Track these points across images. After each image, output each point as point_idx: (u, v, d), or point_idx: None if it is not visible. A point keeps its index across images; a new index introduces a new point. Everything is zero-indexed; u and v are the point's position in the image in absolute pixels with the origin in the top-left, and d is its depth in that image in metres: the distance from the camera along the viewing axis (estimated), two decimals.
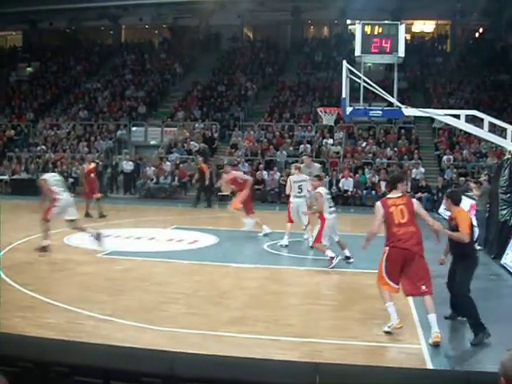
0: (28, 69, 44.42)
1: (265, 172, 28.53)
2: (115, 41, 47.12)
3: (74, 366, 3.99)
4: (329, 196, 13.72)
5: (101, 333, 8.02)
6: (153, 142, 33.95)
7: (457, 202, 9.03)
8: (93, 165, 22.50)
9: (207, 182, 26.75)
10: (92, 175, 22.00)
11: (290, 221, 15.99)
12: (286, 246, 15.55)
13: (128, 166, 30.41)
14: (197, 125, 33.94)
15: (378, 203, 8.87)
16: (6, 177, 31.41)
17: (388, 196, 8.91)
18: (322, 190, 13.51)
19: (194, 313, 9.25)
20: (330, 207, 13.43)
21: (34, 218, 20.37)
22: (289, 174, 18.32)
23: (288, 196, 16.36)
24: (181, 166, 29.94)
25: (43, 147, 33.84)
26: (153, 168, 29.79)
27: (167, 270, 12.61)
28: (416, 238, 8.62)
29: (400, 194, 8.74)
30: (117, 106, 37.64)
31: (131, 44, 46.06)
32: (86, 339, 5.87)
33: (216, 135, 33.19)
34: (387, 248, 8.71)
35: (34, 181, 29.53)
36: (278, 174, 28.05)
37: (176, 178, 29.22)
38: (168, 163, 30.25)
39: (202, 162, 27.38)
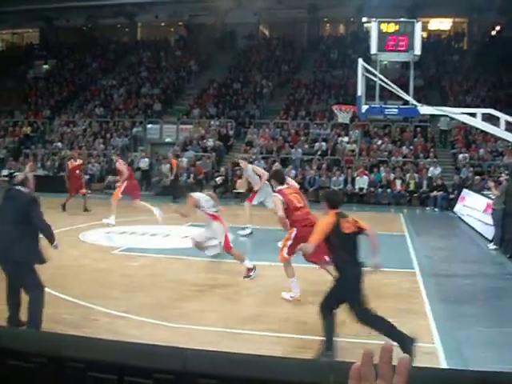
0: (44, 66, 44.66)
1: None
2: (131, 38, 47.27)
3: (88, 361, 3.98)
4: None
5: (116, 329, 8.06)
6: (168, 140, 34.01)
7: (332, 206, 7.92)
8: (78, 162, 22.89)
9: (174, 177, 27.71)
10: (77, 172, 22.46)
11: None
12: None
13: (143, 163, 30.50)
14: (212, 122, 33.99)
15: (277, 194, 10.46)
16: (22, 173, 31.53)
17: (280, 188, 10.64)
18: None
19: (209, 310, 9.26)
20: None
21: (49, 214, 20.50)
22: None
23: None
24: (197, 163, 29.96)
25: (59, 144, 34.02)
26: (168, 165, 29.85)
27: (182, 266, 12.63)
28: (311, 216, 10.19)
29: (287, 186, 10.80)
30: (132, 103, 37.76)
31: (147, 41, 46.18)
32: (101, 335, 5.90)
33: (231, 133, 33.22)
34: (295, 228, 10.06)
35: (50, 177, 29.83)
36: (293, 171, 28.01)
37: (191, 175, 29.25)
38: (184, 159, 30.27)
39: (172, 157, 28.44)
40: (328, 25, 45.11)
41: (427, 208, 25.94)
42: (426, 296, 10.25)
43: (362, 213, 24.64)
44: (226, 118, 34.50)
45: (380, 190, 27.23)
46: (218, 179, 28.39)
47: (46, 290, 9.88)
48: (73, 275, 11.44)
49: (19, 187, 8.12)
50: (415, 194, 27.01)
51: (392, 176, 27.37)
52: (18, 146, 35.14)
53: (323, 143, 30.24)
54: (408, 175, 27.25)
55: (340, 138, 30.69)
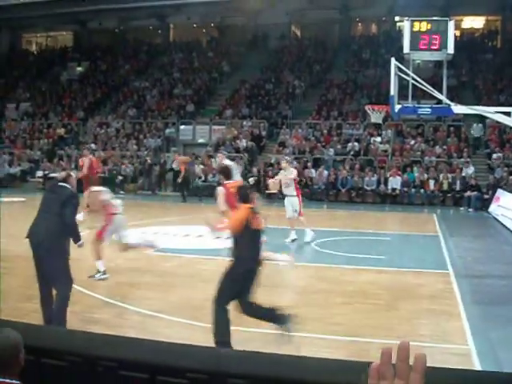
0: (78, 68, 45.11)
1: (312, 170, 28.43)
2: (163, 40, 47.51)
3: (121, 360, 4.02)
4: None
5: (148, 328, 8.11)
6: (201, 140, 34.15)
7: (245, 201, 7.96)
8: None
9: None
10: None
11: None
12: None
13: (176, 163, 30.64)
14: (245, 123, 34.03)
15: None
16: (56, 174, 31.87)
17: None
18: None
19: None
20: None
21: (84, 214, 20.69)
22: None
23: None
24: None
25: (93, 145, 34.30)
26: (201, 166, 29.92)
27: (214, 267, 12.63)
28: None
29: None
30: (165, 104, 37.95)
31: (179, 43, 46.37)
32: (134, 335, 5.94)
33: (264, 133, 33.23)
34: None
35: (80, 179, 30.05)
36: (326, 172, 27.95)
37: None
38: (217, 160, 30.33)
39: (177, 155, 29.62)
40: (360, 24, 44.87)
41: (461, 208, 25.70)
42: (459, 297, 10.15)
43: (394, 213, 24.57)
44: (258, 118, 34.52)
45: (413, 190, 27.03)
46: (250, 180, 28.40)
47: (78, 288, 9.98)
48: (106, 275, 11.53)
49: (62, 183, 8.41)
50: (449, 194, 26.79)
51: (425, 176, 27.15)
52: (52, 147, 35.54)
53: (356, 143, 30.12)
54: (441, 175, 27.01)
55: (373, 138, 30.52)
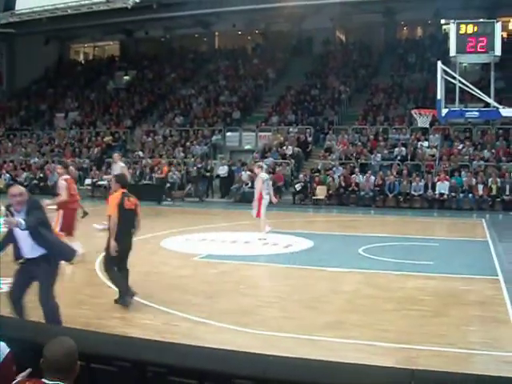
0: (125, 77, 45.69)
1: (359, 175, 28.27)
2: (209, 47, 47.86)
3: (170, 366, 4.08)
4: None
5: (196, 335, 8.15)
6: (247, 147, 34.24)
7: (122, 186, 10.24)
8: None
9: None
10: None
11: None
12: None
13: (223, 170, 30.79)
14: (291, 129, 34.02)
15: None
16: (105, 182, 32.29)
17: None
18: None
19: (288, 317, 9.28)
20: None
21: None
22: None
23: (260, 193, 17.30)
24: (276, 170, 30.00)
25: (140, 153, 34.67)
26: (248, 172, 29.98)
27: (262, 273, 12.70)
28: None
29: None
30: (211, 111, 38.15)
31: (224, 50, 46.65)
32: (182, 341, 5.99)
33: (310, 139, 33.16)
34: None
35: (131, 186, 30.35)
36: (373, 177, 27.76)
37: (271, 182, 29.28)
38: (264, 166, 30.37)
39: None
40: (405, 28, 44.53)
41: (510, 213, 25.27)
42: (509, 304, 10.00)
43: (442, 219, 24.32)
44: (304, 124, 34.47)
45: (461, 195, 26.65)
46: (297, 186, 28.41)
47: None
48: (154, 282, 11.63)
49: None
50: (498, 199, 26.36)
51: (474, 181, 26.76)
52: (101, 155, 35.99)
53: (403, 148, 29.86)
54: (490, 179, 26.60)
55: (420, 143, 30.23)
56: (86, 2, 23.16)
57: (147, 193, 29.70)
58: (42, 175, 34.27)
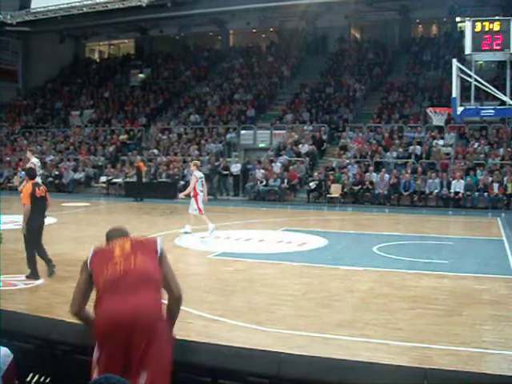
0: (140, 75, 45.80)
1: (374, 174, 28.21)
2: (223, 45, 47.86)
3: (183, 363, 4.10)
4: None
5: (210, 332, 8.18)
6: (262, 145, 34.23)
7: (31, 178, 12.11)
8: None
9: (143, 179, 30.30)
10: None
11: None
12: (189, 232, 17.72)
13: (237, 168, 30.82)
14: (305, 127, 33.99)
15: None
16: (119, 180, 32.44)
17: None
18: None
19: (303, 315, 9.28)
20: None
21: (144, 219, 21.02)
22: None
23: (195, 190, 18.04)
24: (290, 168, 30.00)
25: (155, 151, 34.77)
26: (262, 170, 29.99)
27: (276, 271, 12.69)
28: None
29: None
30: (226, 109, 38.19)
31: (239, 48, 46.66)
32: (196, 338, 6.00)
33: (325, 137, 33.10)
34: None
35: (146, 183, 30.55)
36: (387, 175, 27.69)
37: (285, 181, 29.30)
38: (278, 165, 30.38)
39: (139, 160, 30.92)
40: (420, 26, 44.29)
41: None
42: None
43: (457, 217, 24.22)
44: (319, 122, 34.44)
45: (477, 193, 26.51)
46: (311, 184, 28.40)
47: None
48: None
49: None
50: None
51: (489, 179, 26.63)
52: (116, 153, 36.14)
53: (418, 146, 29.75)
54: (506, 178, 26.47)
55: (435, 141, 30.11)
56: (101, 0, 23.18)
57: (162, 190, 29.90)
58: (57, 173, 34.47)
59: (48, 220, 20.23)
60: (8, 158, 36.99)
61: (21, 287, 10.59)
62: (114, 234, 4.94)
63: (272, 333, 8.23)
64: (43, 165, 35.46)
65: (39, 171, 18.63)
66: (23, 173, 34.52)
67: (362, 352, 7.39)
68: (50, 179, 34.15)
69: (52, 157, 36.81)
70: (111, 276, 4.36)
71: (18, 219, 20.36)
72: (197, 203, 17.82)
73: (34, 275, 11.47)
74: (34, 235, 11.65)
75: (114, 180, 32.75)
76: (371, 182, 27.79)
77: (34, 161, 19.70)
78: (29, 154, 19.92)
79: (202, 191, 18.03)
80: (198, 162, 20.23)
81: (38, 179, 15.70)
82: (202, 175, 18.83)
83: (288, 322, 8.75)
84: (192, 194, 18.04)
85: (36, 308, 8.73)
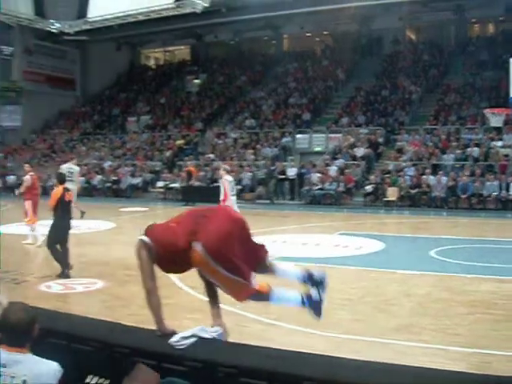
0: (196, 81, 46.22)
1: (431, 176, 27.87)
2: (278, 50, 48.00)
3: (240, 367, 4.12)
4: None
5: (266, 336, 8.20)
6: (317, 149, 34.16)
7: (60, 182, 12.85)
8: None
9: (194, 184, 31.04)
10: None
11: None
12: None
13: (292, 172, 30.80)
14: (361, 130, 33.81)
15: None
16: (176, 184, 32.73)
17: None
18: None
19: (359, 319, 9.24)
20: None
21: None
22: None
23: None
24: (346, 171, 29.87)
25: (211, 155, 35.01)
26: (318, 174, 29.91)
27: (333, 275, 12.57)
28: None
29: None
30: (281, 113, 38.25)
31: (293, 52, 46.74)
32: (252, 342, 6.03)
33: (381, 140, 32.88)
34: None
35: (203, 188, 30.81)
36: (445, 178, 27.32)
37: (341, 184, 29.16)
38: (334, 168, 30.24)
39: (190, 165, 31.45)
40: (476, 25, 43.64)
41: None
42: None
43: None
44: (374, 125, 34.22)
45: None
46: (367, 187, 28.23)
47: (199, 296, 10.21)
48: None
49: None
50: None
51: None
52: (172, 158, 36.51)
53: (475, 148, 29.29)
54: None
55: (493, 143, 29.61)
56: (156, 7, 23.55)
57: (218, 195, 30.01)
58: (115, 178, 34.98)
59: (107, 225, 20.69)
60: None
61: (81, 290, 10.77)
62: None
63: (328, 337, 8.20)
64: (101, 170, 36.14)
65: (77, 178, 20.15)
66: (82, 178, 35.31)
67: (420, 357, 7.32)
68: (108, 184, 34.73)
69: (110, 162, 37.39)
70: None
71: (79, 224, 20.79)
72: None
73: (66, 268, 12.32)
74: (56, 236, 12.37)
75: (171, 185, 33.07)
76: (428, 185, 27.45)
77: (76, 169, 20.34)
78: (26, 168, 20.24)
79: (233, 195, 18.58)
80: (228, 167, 20.83)
81: (72, 184, 17.94)
82: (232, 179, 19.35)
83: (344, 327, 8.72)
84: (222, 198, 18.42)
85: (96, 311, 8.88)
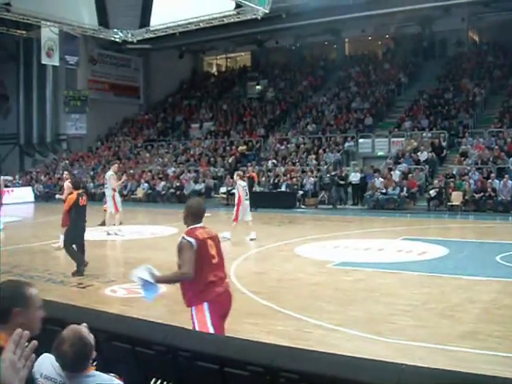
0: (257, 87, 46.44)
1: (496, 180, 27.33)
2: (339, 54, 47.89)
3: (302, 373, 4.13)
4: None
5: (329, 342, 8.18)
6: (380, 153, 33.92)
7: (76, 188, 13.98)
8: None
9: (256, 189, 30.48)
10: None
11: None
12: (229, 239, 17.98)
13: (355, 177, 30.63)
14: (424, 134, 33.42)
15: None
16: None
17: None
18: None
19: (423, 325, 9.12)
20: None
21: (263, 228, 21.27)
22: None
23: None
24: (409, 176, 29.54)
25: (274, 161, 35.09)
26: (381, 179, 29.67)
27: (396, 281, 12.54)
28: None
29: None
30: (343, 118, 38.12)
31: (355, 56, 46.59)
32: (314, 348, 6.03)
33: (444, 144, 32.43)
34: None
35: (265, 193, 30.91)
36: (510, 182, 26.75)
37: (404, 189, 28.84)
38: (397, 173, 29.93)
39: (252, 171, 31.39)
40: None
41: None
42: None
43: None
44: (438, 129, 33.77)
45: None
46: (431, 192, 27.87)
47: (261, 301, 10.26)
48: (288, 289, 11.76)
49: None
50: None
51: None
52: (235, 164, 36.71)
53: None
54: None
55: None
56: (218, 15, 23.74)
57: (281, 200, 30.12)
58: (178, 184, 35.37)
59: (169, 230, 20.95)
60: (132, 171, 38.23)
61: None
62: None
63: (391, 343, 8.15)
64: (165, 176, 36.61)
65: (111, 183, 20.49)
66: (146, 185, 35.87)
67: (485, 365, 7.18)
68: (172, 190, 35.13)
69: (173, 169, 37.84)
70: None
71: (142, 229, 21.09)
72: (237, 211, 18.97)
73: (82, 265, 13.38)
74: (72, 238, 13.67)
75: (233, 191, 33.22)
76: (493, 189, 26.90)
77: (108, 174, 21.17)
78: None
79: (246, 199, 19.14)
80: (241, 173, 21.98)
81: (107, 190, 19.77)
82: (245, 184, 20.18)
83: (408, 333, 8.63)
84: (236, 202, 19.17)
85: (159, 315, 9.00)
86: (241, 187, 19.24)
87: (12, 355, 2.49)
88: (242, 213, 18.95)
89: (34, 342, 2.57)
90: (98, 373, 3.61)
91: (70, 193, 14.28)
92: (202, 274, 5.99)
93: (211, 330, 5.68)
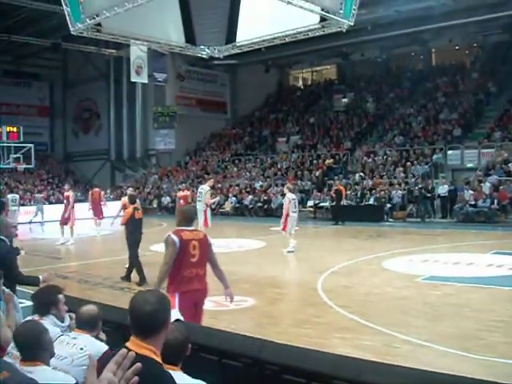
0: (343, 99, 46.35)
1: None
2: (426, 65, 47.30)
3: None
4: None
5: (417, 357, 8.11)
6: (470, 165, 33.27)
7: (131, 202, 14.84)
8: (186, 192, 27.58)
9: (343, 203, 30.84)
10: (181, 201, 26.16)
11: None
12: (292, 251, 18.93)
13: (444, 189, 30.16)
14: None
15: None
16: (326, 204, 32.89)
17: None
18: None
19: None
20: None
21: (351, 242, 21.22)
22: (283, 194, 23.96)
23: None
24: (500, 188, 28.87)
25: (361, 174, 34.93)
26: (470, 191, 29.10)
27: (486, 296, 12.31)
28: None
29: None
30: (431, 129, 37.61)
31: (442, 66, 45.89)
32: (403, 363, 6.03)
33: None
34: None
35: (353, 207, 30.84)
36: None
37: (495, 201, 28.21)
38: (487, 185, 29.30)
39: (339, 184, 31.88)
40: None
41: None
42: None
43: None
44: None
45: None
46: None
47: (348, 315, 10.28)
48: (376, 303, 11.72)
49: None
50: None
51: None
52: (322, 177, 36.72)
53: None
54: None
55: None
56: (303, 29, 23.83)
57: (368, 214, 29.97)
58: (265, 198, 35.62)
59: (257, 244, 21.19)
60: (219, 185, 38.72)
61: (232, 308, 11.08)
62: None
63: (481, 360, 8.01)
64: (252, 190, 36.96)
65: (205, 198, 20.88)
66: (234, 199, 36.27)
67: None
68: (259, 204, 35.40)
69: (261, 183, 38.15)
70: None
71: (229, 243, 21.37)
72: (286, 222, 19.54)
73: (142, 281, 13.99)
74: (134, 249, 14.46)
75: (321, 204, 33.29)
76: None
77: (205, 189, 21.45)
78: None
79: (294, 212, 19.68)
80: (291, 186, 22.72)
81: (199, 204, 20.21)
82: (295, 197, 20.69)
83: (498, 350, 8.44)
84: (284, 214, 19.76)
85: (246, 328, 9.13)
86: (288, 200, 19.81)
87: (111, 376, 2.36)
88: (290, 224, 19.48)
89: (138, 365, 2.40)
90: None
91: (126, 207, 15.55)
92: (179, 269, 7.06)
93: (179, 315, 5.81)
